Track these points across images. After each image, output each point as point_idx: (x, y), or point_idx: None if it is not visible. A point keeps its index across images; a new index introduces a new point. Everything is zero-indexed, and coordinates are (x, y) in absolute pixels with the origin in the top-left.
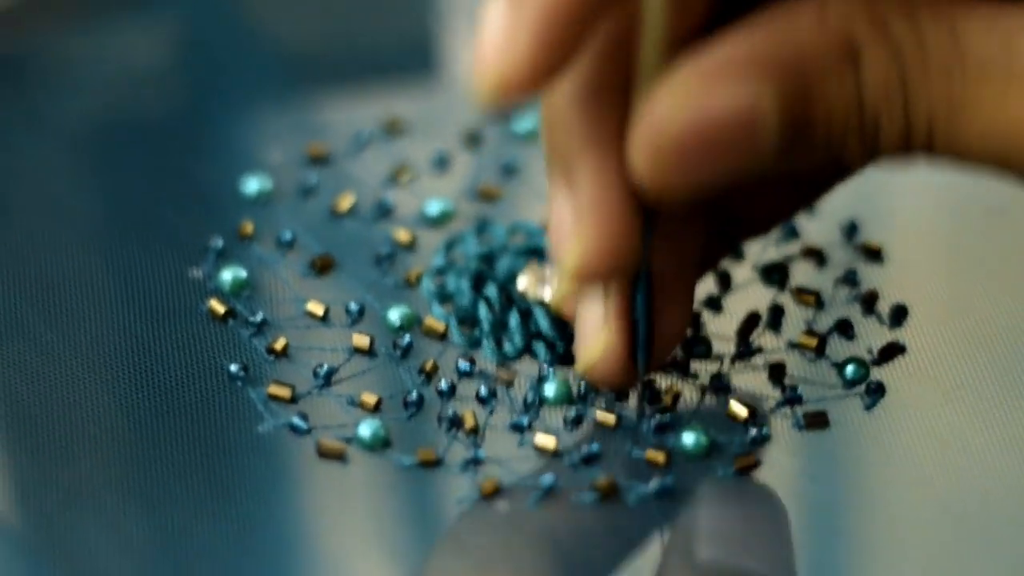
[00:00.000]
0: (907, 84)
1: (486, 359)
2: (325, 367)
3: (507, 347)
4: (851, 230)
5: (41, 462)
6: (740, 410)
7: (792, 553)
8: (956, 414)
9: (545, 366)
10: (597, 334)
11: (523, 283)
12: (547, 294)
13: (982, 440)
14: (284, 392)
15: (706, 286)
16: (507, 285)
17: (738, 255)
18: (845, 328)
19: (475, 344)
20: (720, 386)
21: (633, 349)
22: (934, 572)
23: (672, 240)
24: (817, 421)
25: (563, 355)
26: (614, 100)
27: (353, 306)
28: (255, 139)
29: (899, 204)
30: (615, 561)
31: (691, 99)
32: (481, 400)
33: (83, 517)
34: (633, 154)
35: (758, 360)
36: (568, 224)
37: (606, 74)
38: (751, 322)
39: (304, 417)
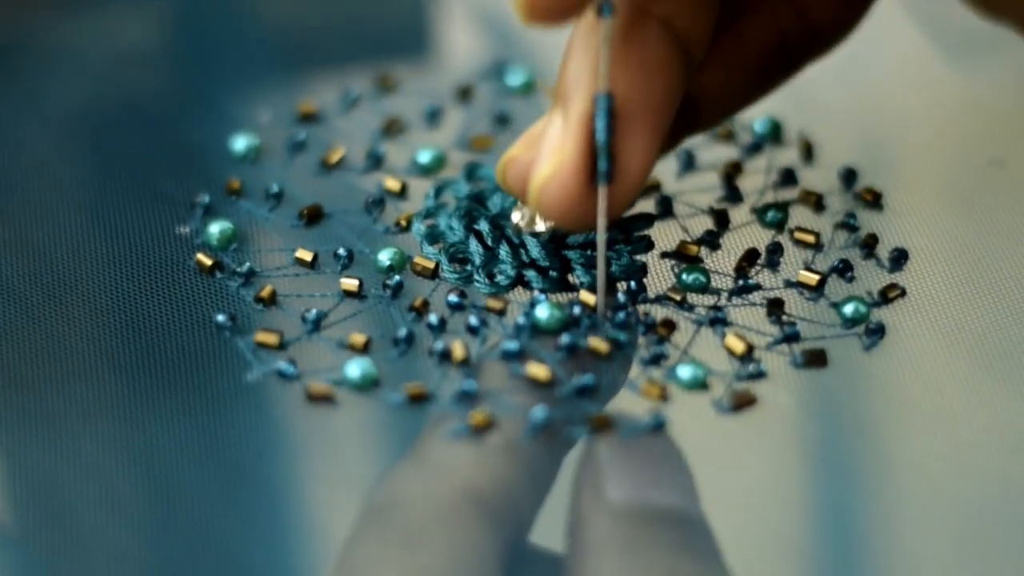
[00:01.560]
0: None
1: (478, 293)
2: (314, 312)
3: (499, 278)
4: (850, 177)
5: (30, 423)
6: (737, 344)
7: (695, 491)
8: (955, 357)
9: (537, 292)
10: (552, 152)
11: (516, 217)
12: (541, 226)
13: (981, 382)
14: (272, 339)
15: (703, 224)
16: (499, 221)
17: (736, 198)
18: (845, 270)
19: (467, 280)
20: (717, 319)
21: (592, 174)
22: (930, 511)
23: (640, 68)
24: (816, 359)
25: (556, 281)
26: None
27: (342, 251)
28: (244, 105)
29: (898, 153)
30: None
31: None
32: (472, 330)
33: (74, 477)
34: None
35: (756, 296)
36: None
37: None
38: (749, 257)
39: (293, 362)
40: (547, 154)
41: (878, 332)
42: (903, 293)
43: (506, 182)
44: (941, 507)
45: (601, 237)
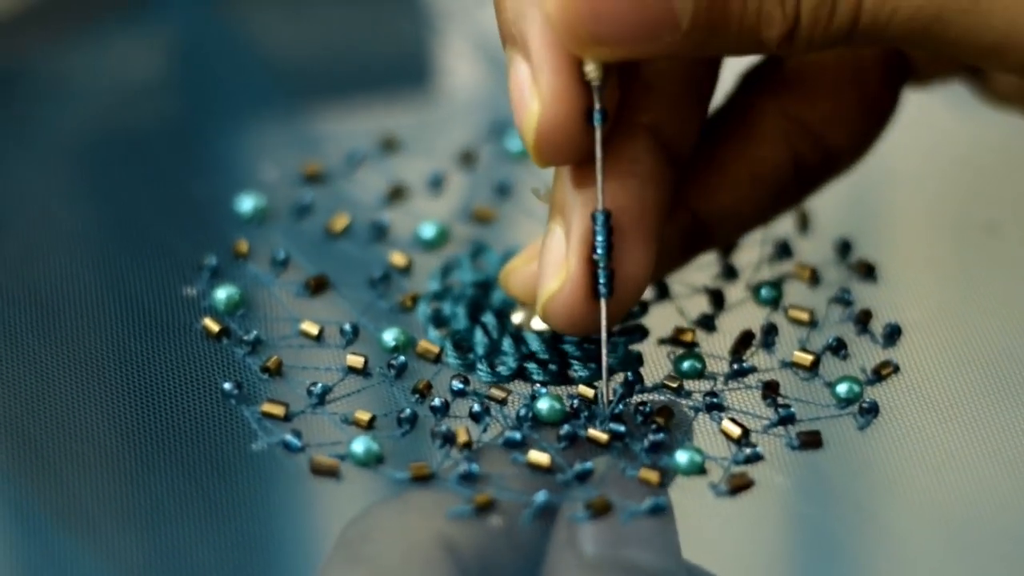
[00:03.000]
0: None
1: (480, 380)
2: (319, 386)
3: (501, 369)
4: (845, 248)
5: (34, 482)
6: (733, 429)
7: (678, 547)
8: (951, 433)
9: (538, 384)
10: (558, 266)
11: (518, 317)
12: (541, 325)
13: (977, 459)
14: (278, 410)
15: (699, 305)
16: (502, 313)
17: (732, 274)
18: (839, 348)
19: (469, 367)
20: (713, 405)
21: (594, 288)
22: None
23: (632, 180)
24: (811, 440)
25: (556, 374)
26: None
27: (347, 327)
28: (250, 155)
29: (893, 222)
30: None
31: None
32: (474, 417)
33: (76, 538)
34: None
35: (751, 379)
36: (526, 87)
37: None
38: (745, 340)
39: (298, 435)
40: (552, 270)
41: (872, 411)
42: (896, 369)
43: (509, 291)
44: None
45: (604, 350)
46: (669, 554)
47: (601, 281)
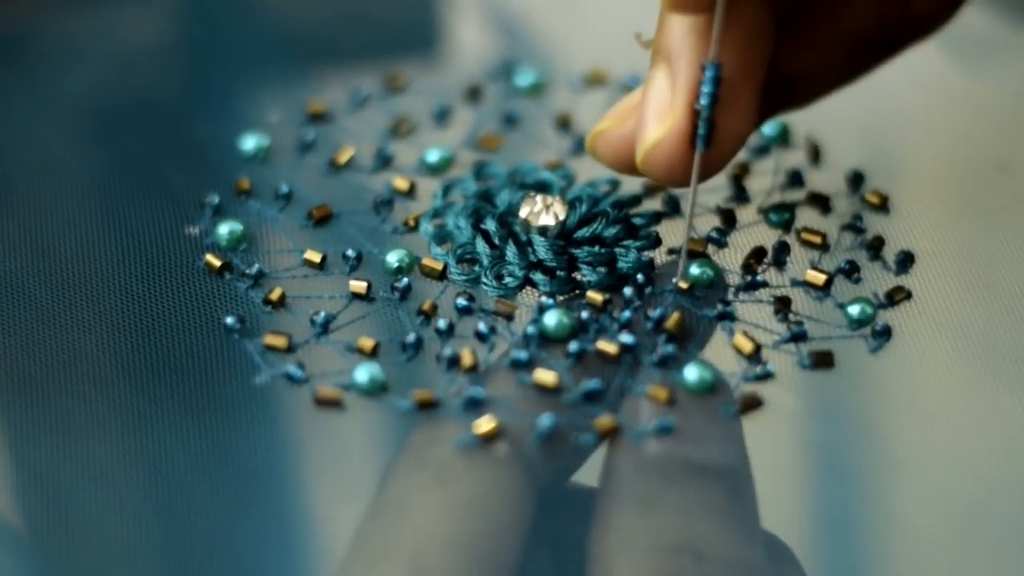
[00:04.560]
0: None
1: (486, 295)
2: (322, 315)
3: (507, 280)
4: (857, 180)
5: (38, 424)
6: (745, 344)
7: (742, 441)
8: (963, 360)
9: (544, 296)
10: (662, 115)
11: (525, 211)
12: (549, 220)
13: (990, 388)
14: (280, 342)
15: (711, 223)
16: (506, 218)
17: (743, 199)
18: (851, 271)
19: (475, 281)
20: (725, 314)
21: (693, 138)
22: (936, 515)
23: (740, 31)
24: (823, 361)
25: (563, 281)
26: None
27: (351, 253)
28: (254, 103)
29: (905, 157)
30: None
31: None
32: (480, 337)
33: (80, 477)
34: None
35: (763, 293)
36: None
37: None
38: (757, 255)
39: (301, 366)
40: (656, 116)
41: (884, 335)
42: (909, 296)
43: (596, 154)
44: (945, 509)
45: (691, 200)
46: (732, 449)
47: (700, 133)
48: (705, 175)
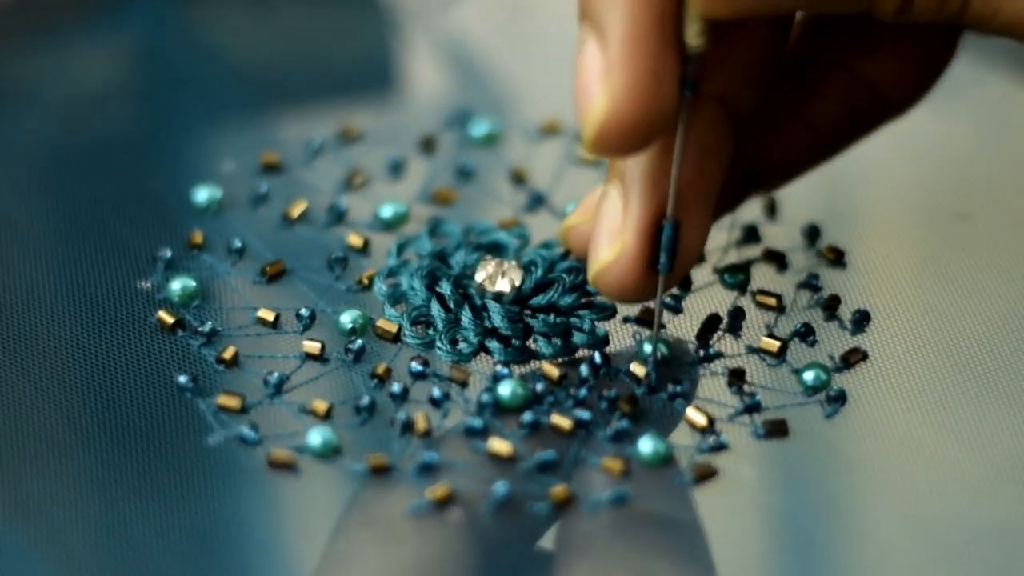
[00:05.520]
0: None
1: (440, 359)
2: (276, 375)
3: (461, 346)
4: (813, 234)
5: None
6: (698, 418)
7: (694, 509)
8: (919, 421)
9: (499, 364)
10: (613, 236)
11: (481, 276)
12: (504, 286)
13: (945, 448)
14: (233, 402)
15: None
16: (462, 281)
17: (699, 259)
18: (807, 334)
19: (429, 345)
20: (678, 394)
21: (653, 257)
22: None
23: (696, 152)
24: (776, 429)
25: (519, 351)
26: None
27: (304, 312)
28: (208, 152)
29: (861, 209)
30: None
31: None
32: (434, 402)
33: (29, 535)
34: None
35: (717, 365)
36: (596, 71)
37: None
38: (711, 324)
39: (254, 427)
40: (607, 238)
41: (839, 400)
42: (865, 356)
43: (569, 248)
44: (902, 570)
45: (656, 330)
46: (686, 508)
47: (657, 297)
48: (663, 289)
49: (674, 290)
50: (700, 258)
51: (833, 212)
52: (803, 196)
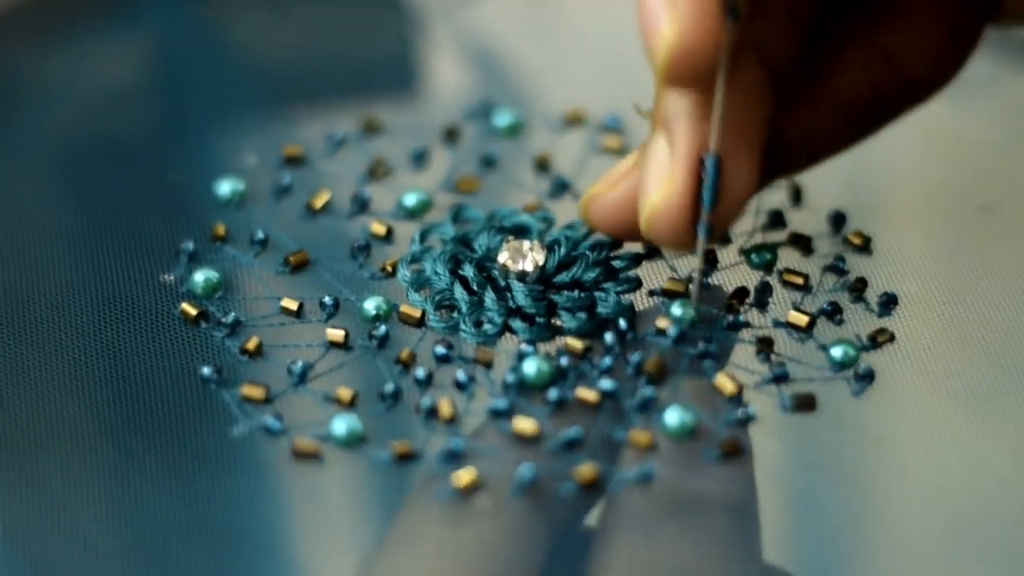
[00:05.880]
0: None
1: (465, 342)
2: (300, 364)
3: (486, 327)
4: (839, 221)
5: (10, 474)
6: (727, 383)
7: (752, 478)
8: (945, 405)
9: (524, 343)
10: (662, 179)
11: (503, 257)
12: (528, 266)
13: (969, 430)
14: (258, 393)
15: (692, 262)
16: (484, 263)
17: (725, 240)
18: (834, 312)
19: (453, 328)
20: (707, 353)
21: (697, 201)
22: (917, 560)
23: (738, 95)
24: (804, 403)
25: (544, 328)
26: None
27: (327, 300)
28: (228, 148)
29: (888, 196)
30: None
31: None
32: (459, 386)
33: (52, 528)
34: None
35: (745, 334)
36: (661, 6)
37: None
38: (739, 295)
39: (279, 417)
40: (656, 180)
41: (867, 378)
42: (892, 338)
43: (589, 219)
44: (927, 554)
45: (697, 281)
46: (741, 485)
47: (701, 231)
48: (709, 237)
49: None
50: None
51: (857, 201)
52: (827, 184)
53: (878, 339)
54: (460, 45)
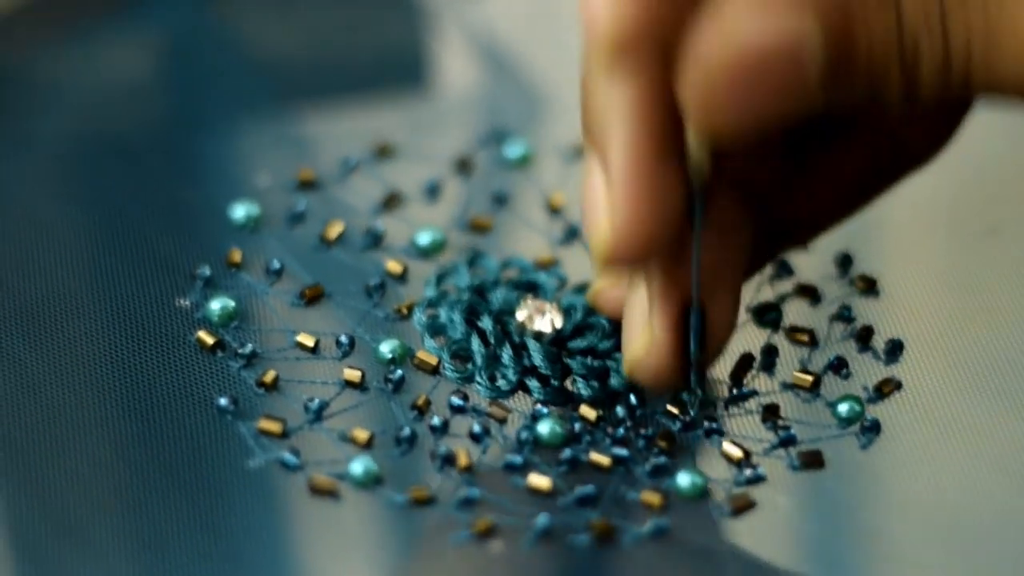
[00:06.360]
0: (945, 11)
1: (479, 395)
2: (316, 401)
3: (500, 382)
4: (845, 262)
5: (27, 497)
6: (734, 451)
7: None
8: (954, 449)
9: (538, 404)
10: (643, 327)
11: (522, 315)
12: (545, 326)
13: (981, 475)
14: (275, 427)
15: None
16: (501, 317)
17: None
18: (840, 366)
19: (468, 379)
20: (713, 430)
21: (684, 343)
22: None
23: (716, 235)
24: (812, 461)
25: (558, 392)
26: (651, 58)
27: (343, 339)
28: (243, 159)
29: (892, 231)
30: None
31: (738, 32)
32: (474, 437)
33: (69, 554)
34: (684, 91)
35: (752, 403)
36: (600, 198)
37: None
38: (745, 364)
39: (295, 452)
40: (636, 329)
41: (873, 429)
42: (899, 386)
43: (600, 311)
44: None
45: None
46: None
47: (693, 380)
48: (701, 371)
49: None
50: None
51: (862, 236)
52: None
53: (884, 389)
54: (470, 43)
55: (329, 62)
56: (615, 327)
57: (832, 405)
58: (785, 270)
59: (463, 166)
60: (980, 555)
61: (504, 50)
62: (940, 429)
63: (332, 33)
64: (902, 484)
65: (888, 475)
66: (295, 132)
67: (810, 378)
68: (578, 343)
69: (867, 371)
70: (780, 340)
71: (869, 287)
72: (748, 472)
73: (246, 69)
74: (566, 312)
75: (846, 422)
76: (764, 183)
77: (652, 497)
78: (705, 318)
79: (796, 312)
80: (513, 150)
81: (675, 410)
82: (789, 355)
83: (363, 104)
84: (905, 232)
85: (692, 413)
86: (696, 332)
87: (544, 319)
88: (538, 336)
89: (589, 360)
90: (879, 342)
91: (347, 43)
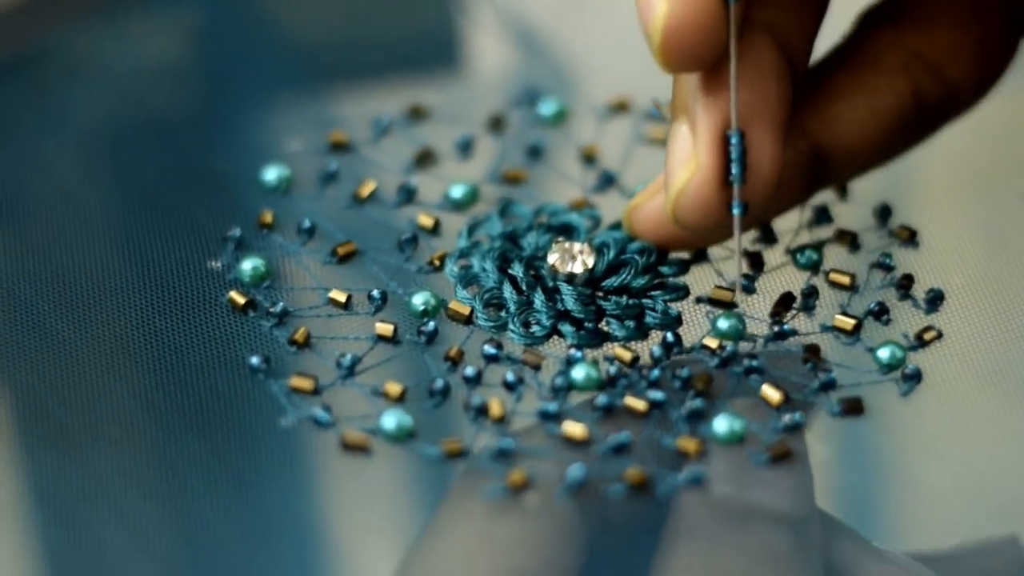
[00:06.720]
0: None
1: (513, 342)
2: (348, 357)
3: (534, 328)
4: (885, 213)
5: (59, 459)
6: (773, 394)
7: (811, 491)
8: (995, 401)
9: (573, 349)
10: (686, 160)
11: (553, 258)
12: (577, 267)
13: (1020, 426)
14: (307, 384)
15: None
16: (534, 263)
17: (771, 239)
18: (881, 312)
19: (501, 327)
20: (753, 368)
21: (725, 181)
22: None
23: (754, 72)
24: (852, 408)
25: (592, 334)
26: None
27: (376, 293)
28: (275, 129)
29: (933, 188)
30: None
31: None
32: (508, 386)
33: (101, 514)
34: None
35: (792, 342)
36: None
37: None
38: (785, 302)
39: (327, 409)
40: (680, 162)
41: (914, 378)
42: (940, 335)
43: (633, 229)
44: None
45: (739, 251)
46: (801, 499)
47: (735, 209)
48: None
49: (747, 269)
50: (767, 201)
51: (902, 191)
52: (871, 176)
53: (925, 337)
54: (504, 22)
55: (362, 42)
56: (648, 265)
57: (873, 350)
58: (824, 218)
59: (496, 124)
60: (1018, 508)
61: (536, 29)
62: (981, 380)
63: (365, 13)
64: (941, 433)
65: (928, 424)
66: (327, 112)
67: (852, 321)
68: (611, 281)
69: (908, 319)
70: (820, 283)
71: (910, 237)
72: (787, 418)
73: (279, 48)
74: (598, 251)
75: (887, 368)
76: (796, 40)
77: (689, 443)
78: (746, 144)
79: (835, 259)
80: (547, 107)
81: (713, 344)
82: (829, 299)
83: (395, 84)
84: (944, 190)
85: (737, 298)
86: (738, 153)
87: (576, 261)
88: (570, 279)
89: (624, 299)
90: (919, 292)
91: (380, 23)
